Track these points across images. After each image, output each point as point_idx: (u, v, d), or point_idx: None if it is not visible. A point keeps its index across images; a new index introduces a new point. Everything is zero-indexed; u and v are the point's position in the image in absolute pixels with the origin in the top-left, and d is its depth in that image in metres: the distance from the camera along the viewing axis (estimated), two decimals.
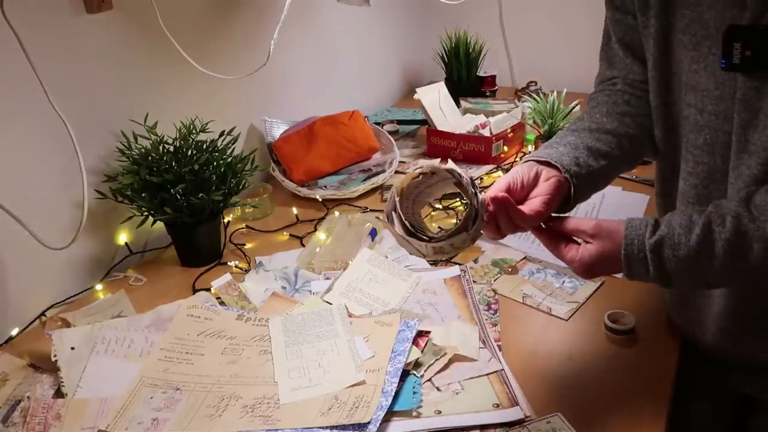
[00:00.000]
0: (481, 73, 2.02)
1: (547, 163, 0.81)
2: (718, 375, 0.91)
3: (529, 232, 0.80)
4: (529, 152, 1.61)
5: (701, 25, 0.74)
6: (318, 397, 0.81)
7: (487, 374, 0.85)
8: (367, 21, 1.98)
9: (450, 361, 0.87)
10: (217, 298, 1.05)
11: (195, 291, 1.10)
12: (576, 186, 0.80)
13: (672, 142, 0.85)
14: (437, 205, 1.36)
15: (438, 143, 1.62)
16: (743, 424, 0.92)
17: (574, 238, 0.76)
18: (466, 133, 1.60)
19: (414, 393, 0.82)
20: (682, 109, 0.80)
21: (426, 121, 1.69)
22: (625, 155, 0.88)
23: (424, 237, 0.75)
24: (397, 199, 0.75)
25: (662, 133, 0.86)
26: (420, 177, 0.76)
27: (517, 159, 1.61)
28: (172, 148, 1.15)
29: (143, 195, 1.11)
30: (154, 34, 1.16)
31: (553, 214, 0.78)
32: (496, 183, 0.79)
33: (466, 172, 0.74)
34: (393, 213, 0.76)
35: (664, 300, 0.97)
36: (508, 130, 1.60)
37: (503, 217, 0.75)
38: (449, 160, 0.77)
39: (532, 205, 0.77)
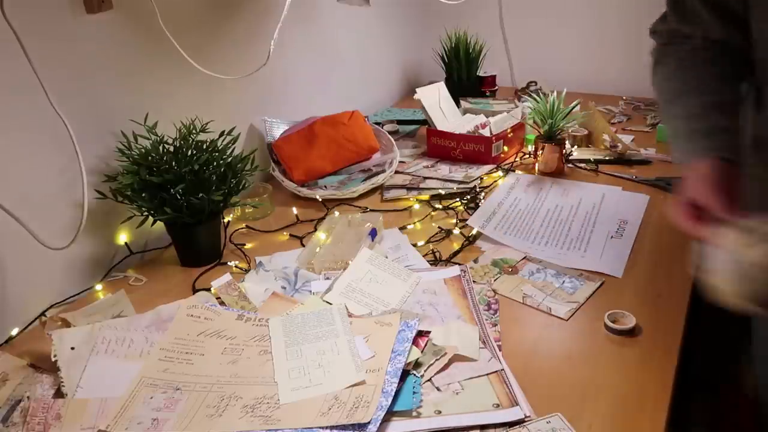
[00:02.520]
0: (481, 73, 2.03)
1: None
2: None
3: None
4: (530, 152, 1.61)
5: None
6: (318, 397, 0.81)
7: (487, 374, 0.85)
8: (367, 21, 1.98)
9: (450, 361, 0.87)
10: (217, 298, 1.05)
11: (195, 291, 1.10)
12: None
13: None
14: (437, 205, 1.37)
15: (438, 143, 1.62)
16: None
17: None
18: (466, 133, 1.60)
19: (414, 393, 0.82)
20: None
21: (426, 121, 1.69)
22: None
23: None
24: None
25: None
26: None
27: (517, 159, 1.61)
28: (172, 148, 1.15)
29: (143, 195, 1.10)
30: (154, 34, 1.16)
31: None
32: (709, 194, 0.76)
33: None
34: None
35: None
36: (508, 130, 1.60)
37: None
38: None
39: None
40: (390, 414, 0.78)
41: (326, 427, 0.76)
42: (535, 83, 2.03)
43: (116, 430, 0.78)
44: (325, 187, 1.46)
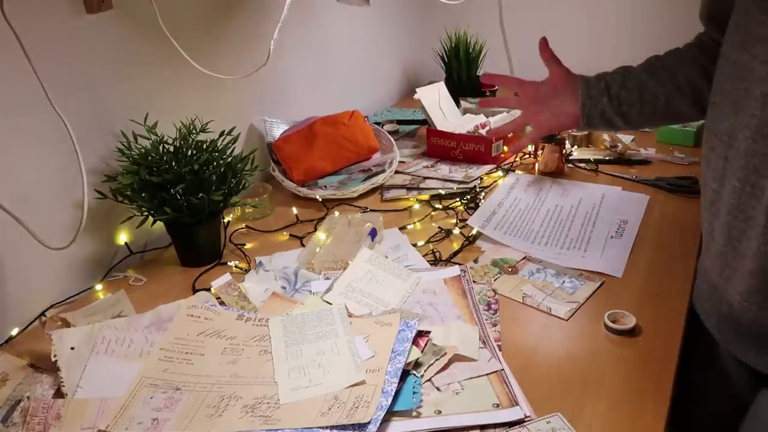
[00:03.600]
0: (481, 73, 2.03)
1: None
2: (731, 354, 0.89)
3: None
4: (530, 152, 1.61)
5: None
6: (318, 397, 0.81)
7: (487, 374, 0.85)
8: (367, 21, 1.98)
9: (450, 361, 0.87)
10: (217, 298, 1.05)
11: (195, 291, 1.10)
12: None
13: (731, 95, 0.84)
14: (437, 205, 1.37)
15: (438, 143, 1.62)
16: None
17: None
18: (466, 133, 1.61)
19: (414, 393, 0.82)
20: (748, 62, 0.79)
21: (426, 121, 1.69)
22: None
23: None
24: None
25: (725, 84, 0.85)
26: None
27: (517, 159, 1.61)
28: (172, 148, 1.15)
29: (143, 195, 1.11)
30: (154, 34, 1.16)
31: None
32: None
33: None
34: None
35: (703, 269, 0.94)
36: None
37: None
38: None
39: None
40: (390, 414, 0.78)
41: (326, 427, 0.76)
42: None
43: (116, 430, 0.78)
44: (325, 187, 1.46)
